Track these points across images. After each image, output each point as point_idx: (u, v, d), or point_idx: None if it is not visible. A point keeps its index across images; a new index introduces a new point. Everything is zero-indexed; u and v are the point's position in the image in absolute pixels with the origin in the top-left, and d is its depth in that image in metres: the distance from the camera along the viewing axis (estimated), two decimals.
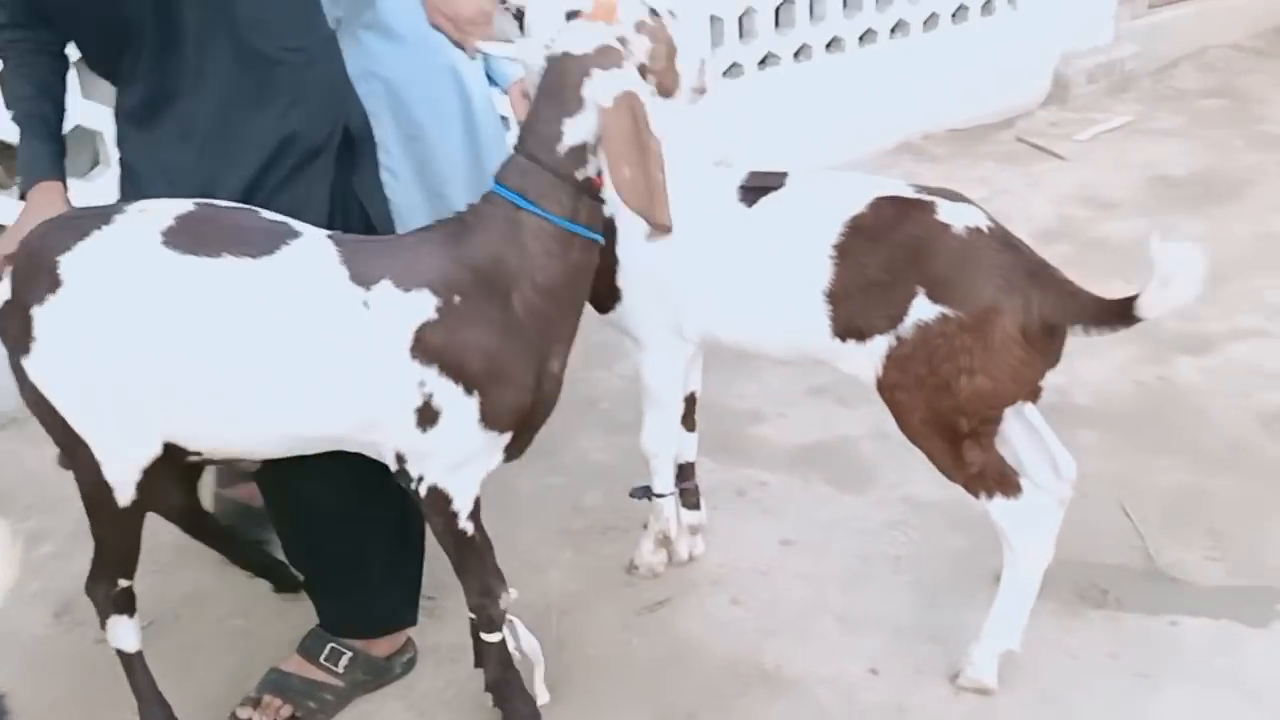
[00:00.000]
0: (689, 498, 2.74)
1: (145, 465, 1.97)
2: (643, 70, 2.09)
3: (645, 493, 2.66)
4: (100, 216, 1.92)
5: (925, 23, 5.47)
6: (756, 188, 2.33)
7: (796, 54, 5.12)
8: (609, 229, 2.35)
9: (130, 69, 2.08)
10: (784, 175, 2.33)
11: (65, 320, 1.86)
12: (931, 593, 2.61)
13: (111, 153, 2.57)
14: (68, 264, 1.86)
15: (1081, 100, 5.83)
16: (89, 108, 3.46)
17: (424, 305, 1.90)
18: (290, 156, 2.08)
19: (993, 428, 2.20)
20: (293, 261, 1.90)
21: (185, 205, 1.93)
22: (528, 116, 1.98)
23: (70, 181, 2.22)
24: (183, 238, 1.87)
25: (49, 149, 2.17)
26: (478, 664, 2.29)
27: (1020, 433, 2.36)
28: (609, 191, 2.01)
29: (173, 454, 1.99)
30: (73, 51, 2.20)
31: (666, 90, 2.24)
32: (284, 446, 2.04)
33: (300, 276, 1.89)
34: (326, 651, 2.39)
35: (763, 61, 5.02)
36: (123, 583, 2.11)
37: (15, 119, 2.18)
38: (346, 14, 2.86)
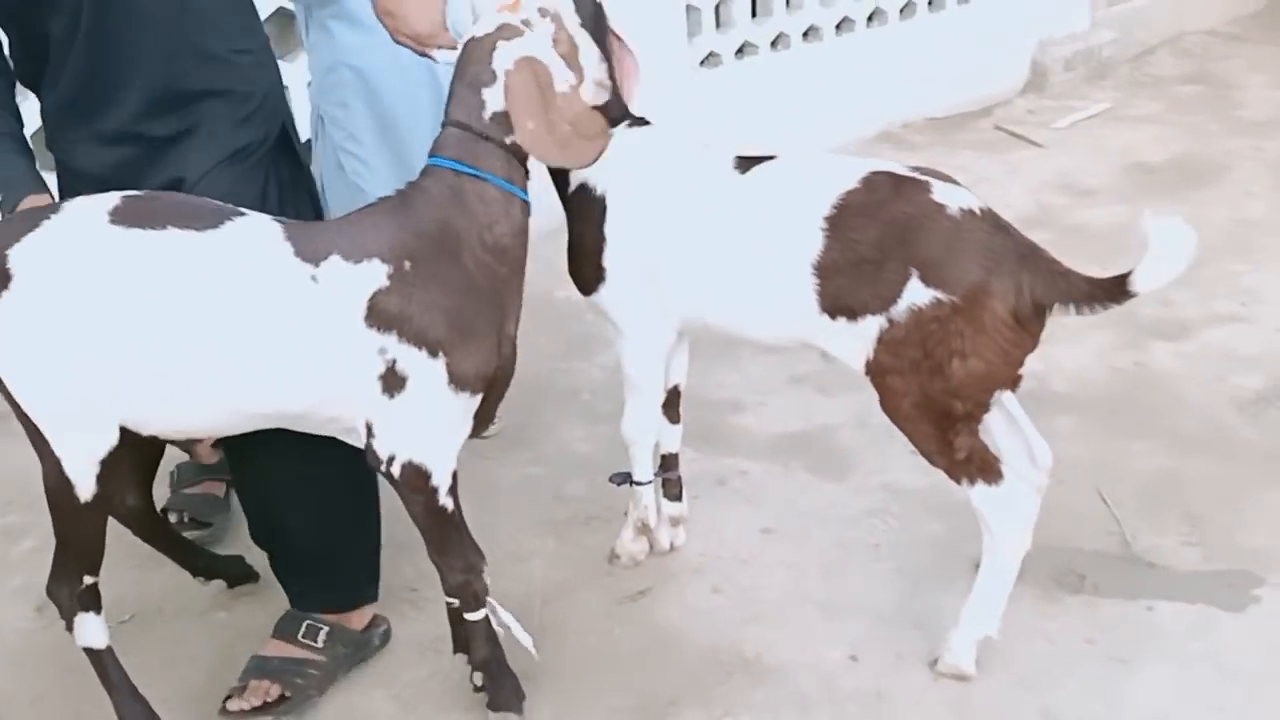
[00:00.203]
0: (672, 489, 2.74)
1: (103, 456, 2.00)
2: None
3: (625, 478, 2.67)
4: (51, 208, 1.99)
5: (902, 11, 5.47)
6: (752, 157, 2.34)
7: (774, 43, 5.12)
8: (599, 208, 2.35)
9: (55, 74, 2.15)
10: (772, 158, 2.33)
11: (19, 313, 1.90)
12: (911, 579, 2.63)
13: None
14: (16, 256, 1.90)
15: (1059, 88, 5.84)
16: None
17: (375, 274, 1.96)
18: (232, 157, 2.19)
19: (984, 411, 2.21)
20: (237, 236, 1.95)
21: (135, 192, 2.00)
22: (452, 96, 2.07)
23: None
24: (129, 215, 1.93)
25: (24, 163, 2.22)
26: (458, 649, 2.31)
27: (998, 421, 2.37)
28: (597, 171, 2.16)
29: (129, 440, 2.02)
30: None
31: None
32: (239, 423, 2.07)
33: (245, 251, 1.95)
34: (303, 629, 2.41)
35: (740, 51, 5.02)
36: (88, 579, 2.12)
37: None
38: (315, 3, 2.86)
